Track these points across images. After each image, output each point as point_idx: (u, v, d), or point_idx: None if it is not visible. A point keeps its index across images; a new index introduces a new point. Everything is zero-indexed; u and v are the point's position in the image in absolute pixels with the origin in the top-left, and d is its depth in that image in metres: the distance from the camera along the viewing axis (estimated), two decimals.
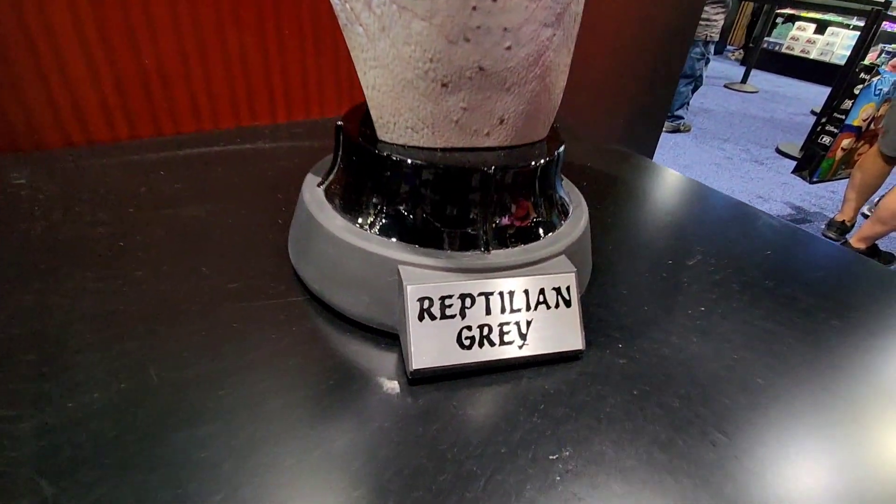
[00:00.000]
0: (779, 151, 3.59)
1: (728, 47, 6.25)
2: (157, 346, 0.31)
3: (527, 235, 0.34)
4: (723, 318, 0.37)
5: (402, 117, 0.32)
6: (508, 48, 0.30)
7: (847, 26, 4.92)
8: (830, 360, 0.34)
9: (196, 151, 0.55)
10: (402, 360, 0.31)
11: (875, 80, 2.34)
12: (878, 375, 0.34)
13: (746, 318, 0.37)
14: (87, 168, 0.50)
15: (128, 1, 0.52)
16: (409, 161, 0.31)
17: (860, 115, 2.43)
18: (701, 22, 3.34)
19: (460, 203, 0.32)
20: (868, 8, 3.70)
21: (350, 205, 0.35)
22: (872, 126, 2.55)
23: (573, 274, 0.32)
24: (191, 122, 0.61)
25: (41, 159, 0.51)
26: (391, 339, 0.33)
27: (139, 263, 0.38)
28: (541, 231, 0.34)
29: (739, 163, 3.39)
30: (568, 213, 0.38)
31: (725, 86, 5.00)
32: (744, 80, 4.93)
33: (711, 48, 3.61)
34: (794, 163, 3.32)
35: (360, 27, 0.30)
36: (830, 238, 2.54)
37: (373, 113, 0.32)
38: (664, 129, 3.58)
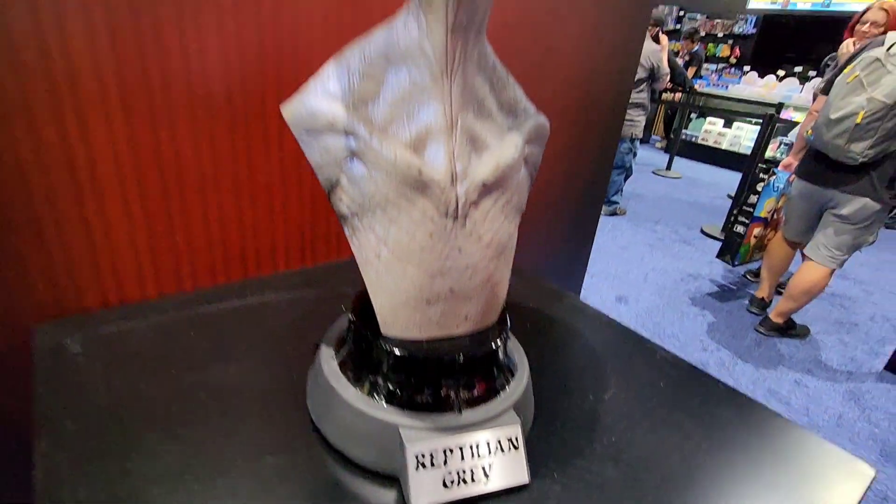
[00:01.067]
0: (703, 232, 4.02)
1: (654, 137, 7.05)
2: (219, 497, 0.41)
3: (487, 396, 0.48)
4: (629, 445, 0.52)
5: (398, 322, 0.46)
6: (470, 277, 0.46)
7: (750, 121, 5.71)
8: (699, 478, 0.49)
9: (214, 308, 0.67)
10: (403, 497, 0.43)
11: (772, 179, 2.77)
12: (734, 490, 0.49)
13: (646, 444, 0.52)
14: (127, 332, 0.61)
15: (167, 180, 0.66)
16: (404, 353, 0.45)
17: (765, 207, 2.84)
18: (626, 122, 3.84)
19: (440, 380, 0.46)
20: (762, 112, 4.39)
21: (360, 378, 0.48)
22: (776, 216, 2.97)
23: (518, 425, 0.46)
24: (207, 277, 0.73)
25: (86, 324, 0.61)
26: (393, 480, 0.45)
27: (191, 424, 0.49)
28: (496, 392, 0.49)
29: (670, 243, 3.77)
30: (514, 373, 0.52)
31: (653, 172, 5.60)
32: (668, 168, 5.56)
33: (637, 143, 4.12)
34: (718, 242, 3.73)
35: (372, 269, 0.45)
36: (753, 312, 2.86)
37: (378, 317, 0.47)
38: (603, 212, 3.93)
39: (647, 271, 3.29)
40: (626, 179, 4.22)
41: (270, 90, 0.68)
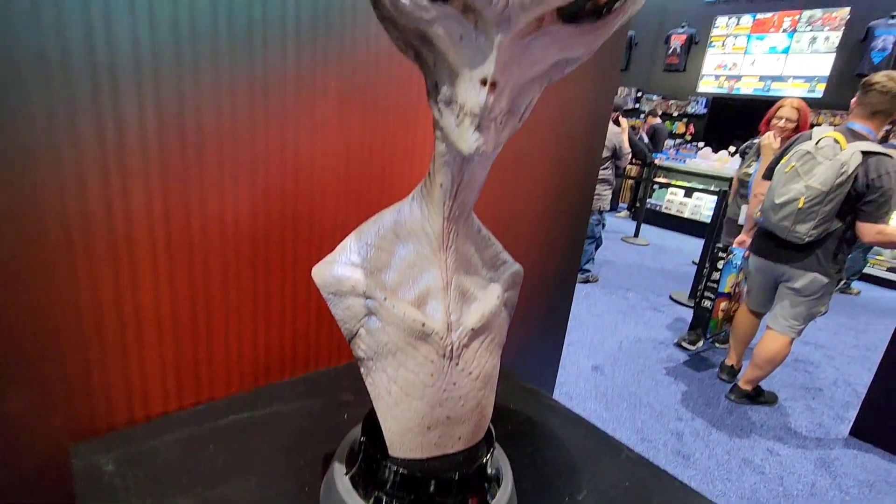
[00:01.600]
0: (672, 299, 4.22)
1: (621, 205, 7.48)
2: None
3: None
4: None
5: (404, 445, 0.56)
6: (462, 405, 0.56)
7: (708, 191, 6.14)
8: None
9: (230, 420, 0.75)
10: None
11: (730, 257, 2.99)
12: None
13: None
14: (154, 448, 0.68)
15: (197, 306, 0.75)
16: (408, 472, 0.54)
17: (727, 283, 3.04)
18: (594, 197, 4.14)
19: (438, 495, 0.55)
20: (717, 187, 4.76)
21: (369, 494, 0.56)
22: (738, 290, 3.17)
23: None
24: (223, 388, 0.81)
25: (117, 441, 0.68)
26: None
27: None
28: (486, 503, 0.58)
29: (641, 311, 3.93)
30: (501, 481, 0.61)
31: (622, 239, 5.90)
32: (636, 235, 5.87)
33: (605, 215, 4.40)
34: (686, 309, 3.92)
35: (383, 403, 0.55)
36: (724, 380, 2.98)
37: (387, 441, 0.56)
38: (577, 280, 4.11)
39: (620, 339, 3.41)
40: (596, 249, 4.45)
41: (288, 229, 0.80)
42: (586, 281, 4.41)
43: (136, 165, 0.65)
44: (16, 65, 0.55)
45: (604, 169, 4.14)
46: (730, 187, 4.50)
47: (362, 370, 0.56)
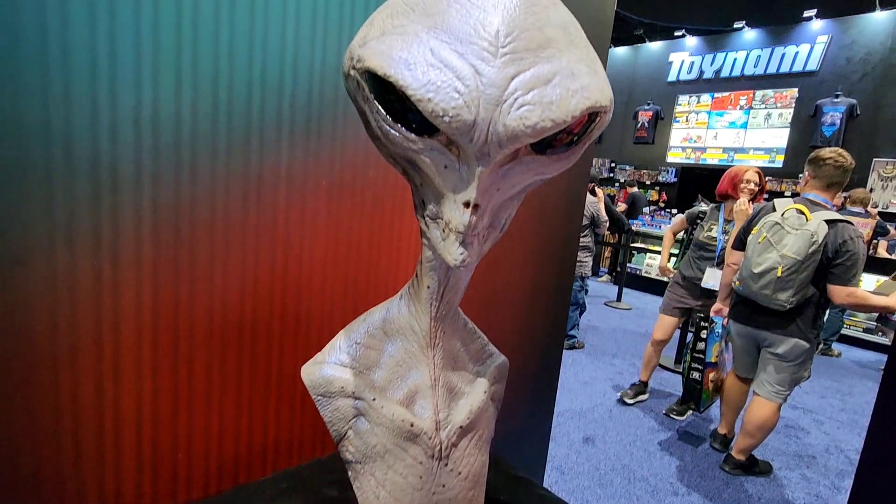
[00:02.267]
0: (659, 365, 4.20)
1: (602, 269, 7.62)
2: None
3: None
4: None
5: None
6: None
7: None
8: None
9: None
10: None
11: (713, 326, 3.03)
12: None
13: None
14: None
15: (180, 402, 0.74)
16: None
17: (714, 353, 3.06)
18: (576, 264, 4.23)
19: None
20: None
21: None
22: (721, 358, 3.18)
23: None
24: (200, 488, 0.78)
25: None
26: None
27: None
28: None
29: (629, 377, 3.90)
30: None
31: (605, 304, 5.96)
32: (618, 299, 5.94)
33: (587, 281, 4.47)
34: (672, 374, 3.90)
35: (368, 488, 0.53)
36: (717, 449, 2.92)
37: None
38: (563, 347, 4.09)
39: (610, 408, 3.35)
40: (580, 315, 4.48)
41: (276, 321, 0.81)
42: (572, 347, 4.39)
43: (128, 265, 0.66)
44: (21, 169, 0.58)
45: (583, 236, 4.26)
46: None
47: (350, 473, 0.55)
